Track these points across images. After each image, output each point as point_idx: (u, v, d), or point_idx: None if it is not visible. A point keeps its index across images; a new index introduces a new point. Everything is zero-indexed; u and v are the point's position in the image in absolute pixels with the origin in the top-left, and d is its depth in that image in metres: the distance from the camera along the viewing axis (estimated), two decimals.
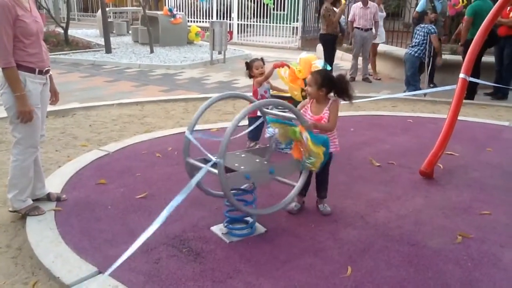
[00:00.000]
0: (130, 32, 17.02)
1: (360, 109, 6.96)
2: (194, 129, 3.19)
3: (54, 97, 3.57)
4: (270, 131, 3.29)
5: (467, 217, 3.61)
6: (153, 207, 3.56)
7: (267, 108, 3.52)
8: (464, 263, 2.96)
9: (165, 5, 18.92)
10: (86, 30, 19.09)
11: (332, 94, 3.40)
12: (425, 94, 7.99)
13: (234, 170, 2.98)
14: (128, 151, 4.86)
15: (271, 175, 3.14)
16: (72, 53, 12.98)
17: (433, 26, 7.92)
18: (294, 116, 3.11)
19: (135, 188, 3.93)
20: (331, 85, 3.34)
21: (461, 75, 4.59)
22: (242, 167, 3.03)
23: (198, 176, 2.83)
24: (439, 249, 3.11)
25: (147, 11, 14.64)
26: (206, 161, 3.02)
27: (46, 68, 3.32)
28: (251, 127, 3.69)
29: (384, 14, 10.61)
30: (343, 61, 11.72)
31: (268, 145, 3.51)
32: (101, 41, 14.05)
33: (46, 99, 3.44)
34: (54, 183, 3.91)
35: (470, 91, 7.83)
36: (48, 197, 3.60)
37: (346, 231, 3.33)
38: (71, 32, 15.29)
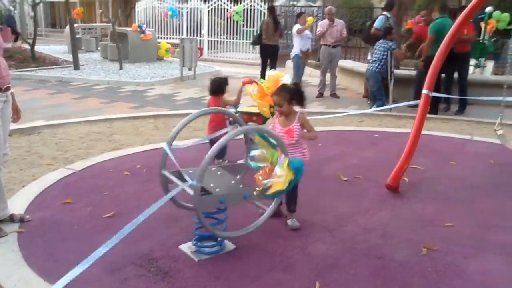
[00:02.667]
0: (99, 48, 16.85)
1: (328, 125, 7.07)
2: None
3: (16, 114, 3.51)
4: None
5: (431, 229, 3.70)
6: (121, 226, 3.46)
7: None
8: (429, 275, 3.03)
9: (135, 21, 18.86)
10: (54, 46, 18.81)
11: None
12: (391, 109, 8.19)
13: (209, 190, 2.99)
14: (95, 170, 4.79)
15: (245, 199, 3.14)
16: (39, 69, 12.76)
17: (394, 42, 8.18)
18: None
19: (103, 207, 3.87)
20: (297, 96, 3.49)
21: (424, 91, 4.73)
22: (217, 189, 3.06)
23: (172, 193, 2.84)
24: (405, 262, 3.18)
25: (116, 28, 14.55)
26: (181, 174, 3.04)
27: (6, 85, 3.26)
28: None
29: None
30: (312, 77, 11.90)
31: (242, 162, 3.54)
32: (69, 58, 13.87)
33: (8, 117, 3.37)
34: (18, 204, 3.81)
35: (434, 106, 8.09)
36: (11, 218, 3.50)
37: (315, 245, 3.37)
38: (38, 48, 15.04)
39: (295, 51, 9.91)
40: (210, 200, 2.96)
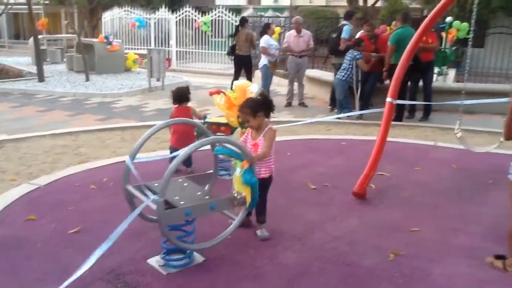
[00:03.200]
0: (64, 60, 16.54)
1: (296, 134, 7.14)
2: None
3: None
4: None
5: (398, 235, 3.77)
6: (88, 241, 3.44)
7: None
8: (396, 280, 3.09)
9: (102, 32, 18.64)
10: (18, 58, 18.38)
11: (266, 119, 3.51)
12: (361, 116, 8.35)
13: (173, 203, 2.96)
14: (60, 184, 4.69)
15: (212, 210, 3.12)
16: (2, 82, 12.43)
17: (359, 52, 8.37)
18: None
19: (68, 222, 3.78)
20: (264, 107, 3.44)
21: (388, 99, 4.84)
22: (182, 202, 3.01)
23: (135, 213, 2.81)
24: (373, 268, 3.23)
25: (82, 39, 14.34)
26: (145, 188, 3.01)
27: None
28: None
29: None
30: (280, 86, 12.00)
31: (211, 171, 3.53)
32: (34, 69, 13.57)
33: None
34: None
35: (399, 113, 8.29)
36: None
37: (285, 254, 3.38)
38: (1, 60, 14.72)
39: (263, 61, 9.98)
40: (174, 213, 2.92)
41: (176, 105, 5.01)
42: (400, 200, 4.53)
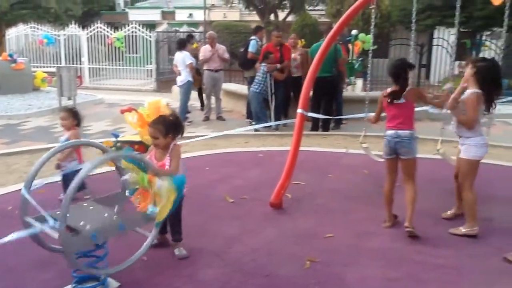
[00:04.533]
0: None
1: (215, 147, 7.15)
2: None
3: None
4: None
5: (314, 242, 3.89)
6: None
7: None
8: (313, 287, 3.18)
9: (6, 50, 17.53)
10: None
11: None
12: (277, 128, 8.55)
13: (78, 229, 2.79)
14: None
15: (121, 231, 3.01)
16: None
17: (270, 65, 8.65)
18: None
19: None
20: (174, 128, 3.40)
21: (299, 110, 5.01)
22: (88, 226, 2.83)
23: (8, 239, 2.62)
24: (290, 277, 3.30)
25: None
26: (49, 217, 2.82)
27: None
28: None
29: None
30: (198, 101, 11.96)
31: (119, 191, 3.40)
32: None
33: None
34: None
35: (314, 123, 8.61)
36: None
37: (204, 272, 3.36)
38: None
39: (186, 77, 9.76)
40: (79, 239, 2.74)
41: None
42: (315, 207, 4.68)
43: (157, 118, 3.44)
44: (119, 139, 4.93)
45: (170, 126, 3.37)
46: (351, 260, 3.59)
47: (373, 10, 5.30)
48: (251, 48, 9.30)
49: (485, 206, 4.47)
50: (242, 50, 9.93)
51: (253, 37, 9.69)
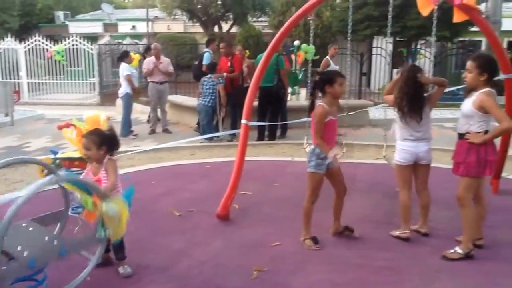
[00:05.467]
0: None
1: (161, 161, 7.06)
2: None
3: None
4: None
5: (261, 251, 3.92)
6: None
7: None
8: None
9: None
10: None
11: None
12: (231, 139, 8.57)
13: (14, 255, 2.65)
14: None
15: (62, 257, 2.88)
16: None
17: (219, 78, 8.69)
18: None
19: None
20: (109, 141, 3.35)
21: (243, 121, 5.04)
22: (25, 252, 2.67)
23: None
24: None
25: None
26: None
27: None
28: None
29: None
30: (143, 114, 11.78)
31: (60, 209, 3.29)
32: None
33: None
34: None
35: (261, 133, 8.71)
36: None
37: None
38: None
39: (125, 89, 9.62)
40: (15, 267, 2.60)
41: None
42: (262, 216, 4.72)
43: (92, 129, 3.38)
44: (59, 155, 4.79)
45: (105, 139, 3.32)
46: (298, 267, 3.64)
47: (311, 21, 5.45)
48: (205, 61, 9.32)
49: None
50: (196, 63, 9.95)
51: (206, 50, 9.73)
